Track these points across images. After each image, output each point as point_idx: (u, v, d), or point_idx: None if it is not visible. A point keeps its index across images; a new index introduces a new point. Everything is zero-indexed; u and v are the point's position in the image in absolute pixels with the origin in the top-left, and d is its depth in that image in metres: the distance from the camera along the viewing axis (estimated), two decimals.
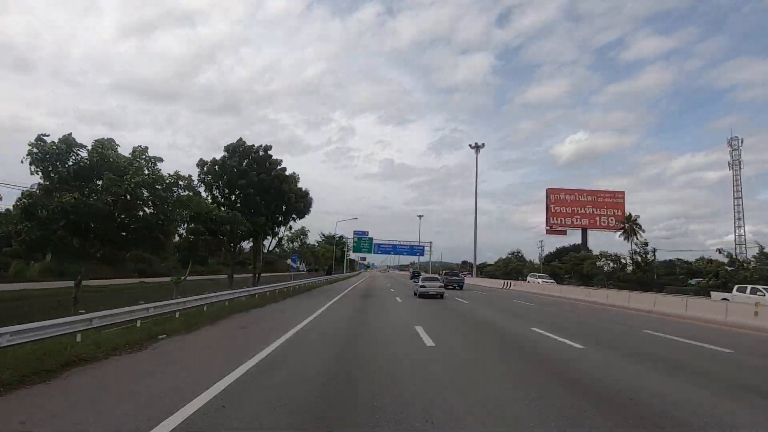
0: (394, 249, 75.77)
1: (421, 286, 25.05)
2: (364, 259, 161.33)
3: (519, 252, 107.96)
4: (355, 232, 75.59)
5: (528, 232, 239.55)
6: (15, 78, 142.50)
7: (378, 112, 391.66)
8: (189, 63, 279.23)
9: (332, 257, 78.69)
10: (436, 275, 35.46)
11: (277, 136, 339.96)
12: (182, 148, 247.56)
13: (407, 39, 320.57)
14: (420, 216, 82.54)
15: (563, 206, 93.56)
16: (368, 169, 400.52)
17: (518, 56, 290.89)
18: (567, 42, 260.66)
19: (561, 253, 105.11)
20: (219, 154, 26.58)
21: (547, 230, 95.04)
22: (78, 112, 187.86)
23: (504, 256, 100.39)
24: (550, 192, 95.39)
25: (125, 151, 13.36)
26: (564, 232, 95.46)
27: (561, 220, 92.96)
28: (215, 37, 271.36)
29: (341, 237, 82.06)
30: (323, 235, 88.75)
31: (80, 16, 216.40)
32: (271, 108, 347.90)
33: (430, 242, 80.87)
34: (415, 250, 76.36)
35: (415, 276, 58.61)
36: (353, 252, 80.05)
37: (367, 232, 74.96)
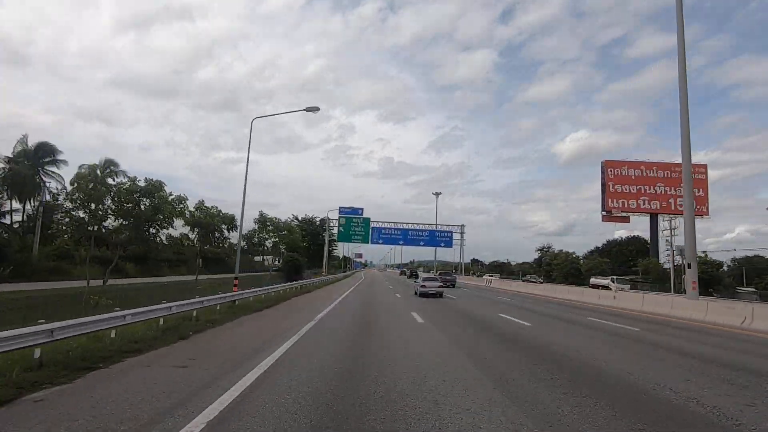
0: (404, 237, 50.97)
1: (422, 286, 25.17)
2: (360, 255, 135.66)
3: (549, 247, 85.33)
4: (342, 210, 50.48)
5: (526, 231, 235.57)
6: (9, 73, 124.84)
7: (378, 110, 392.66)
8: (187, 58, 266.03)
9: (306, 249, 53.03)
10: (435, 275, 36.71)
11: (277, 134, 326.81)
12: (180, 145, 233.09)
13: (409, 35, 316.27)
14: (437, 194, 58.38)
15: (626, 184, 70.12)
16: (368, 167, 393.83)
17: (521, 53, 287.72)
18: (570, 39, 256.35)
19: (611, 246, 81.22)
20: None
21: (603, 216, 71.45)
22: (74, 108, 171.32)
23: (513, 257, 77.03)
24: (607, 166, 71.51)
25: None
26: (627, 219, 71.78)
27: (623, 202, 69.50)
28: (214, 33, 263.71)
29: (321, 220, 56.44)
30: (297, 219, 62.97)
31: (76, 9, 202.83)
32: (271, 105, 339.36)
33: (462, 225, 56.60)
34: (437, 238, 51.46)
35: (412, 275, 58.51)
36: (339, 240, 54.90)
37: (361, 210, 49.98)
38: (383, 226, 51.72)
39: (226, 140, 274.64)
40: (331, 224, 54.75)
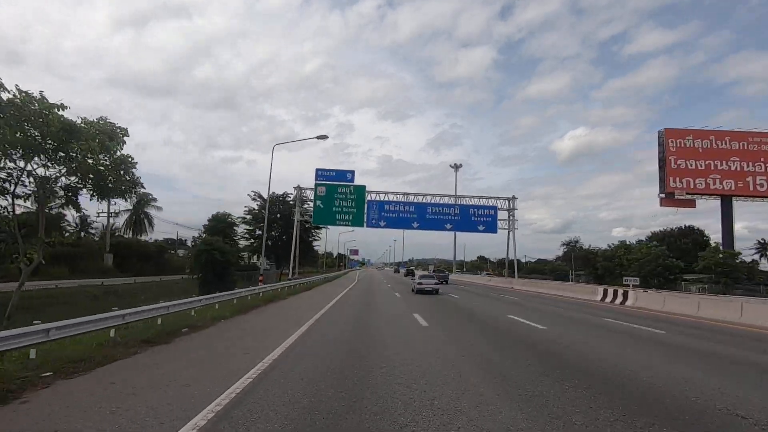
0: (420, 216, 34.12)
1: (419, 283, 25.43)
2: (356, 252, 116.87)
3: (576, 242, 70.73)
4: (321, 175, 33.35)
5: (524, 228, 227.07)
6: (6, 72, 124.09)
7: (377, 108, 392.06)
8: (185, 57, 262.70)
9: (274, 240, 35.56)
10: (431, 273, 35.40)
11: (275, 133, 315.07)
12: (178, 144, 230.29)
13: (407, 32, 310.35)
14: (456, 166, 41.79)
15: (692, 158, 55.30)
16: (366, 165, 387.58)
17: (520, 50, 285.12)
18: (570, 36, 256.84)
19: (659, 238, 65.72)
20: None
21: (662, 200, 56.51)
22: (71, 107, 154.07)
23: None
24: (668, 136, 56.58)
25: None
26: (692, 203, 57.02)
27: (687, 182, 54.83)
28: (212, 30, 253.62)
29: (288, 194, 38.59)
30: (261, 197, 45.19)
31: (73, 7, 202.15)
32: (269, 103, 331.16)
33: (512, 198, 38.25)
34: (473, 218, 34.26)
35: (409, 274, 61.38)
36: (315, 223, 37.23)
37: (351, 173, 32.86)
38: (387, 199, 34.39)
39: (224, 139, 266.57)
40: (306, 199, 36.81)
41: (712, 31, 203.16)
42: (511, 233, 37.86)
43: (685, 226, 64.37)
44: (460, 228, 37.41)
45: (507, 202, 38.57)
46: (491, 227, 37.36)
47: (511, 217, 38.31)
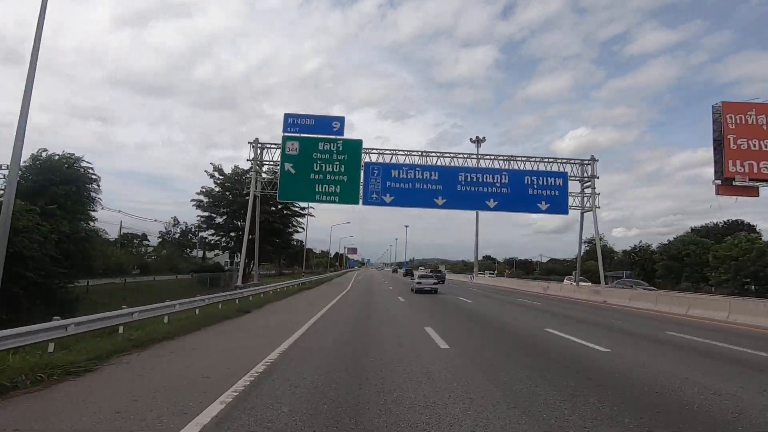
0: (448, 189, 21.17)
1: (418, 283, 25.75)
2: (354, 250, 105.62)
3: (601, 238, 61.26)
4: (292, 123, 22.55)
5: (525, 228, 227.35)
6: (4, 71, 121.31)
7: (377, 107, 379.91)
8: (185, 56, 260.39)
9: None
10: (429, 272, 36.86)
11: (274, 132, 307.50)
12: (178, 144, 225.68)
13: (408, 32, 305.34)
14: (478, 141, 31.70)
15: (756, 138, 46.51)
16: None
17: (521, 50, 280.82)
18: (571, 35, 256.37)
19: (699, 235, 56.32)
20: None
21: (718, 187, 46.88)
22: (70, 107, 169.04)
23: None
24: (725, 110, 47.28)
25: None
26: (755, 191, 47.99)
27: (749, 165, 46.04)
28: (212, 29, 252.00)
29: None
30: (220, 172, 34.33)
31: (72, 6, 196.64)
32: (269, 103, 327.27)
33: (590, 160, 25.21)
34: (530, 192, 21.50)
35: (407, 274, 63.43)
36: (281, 198, 25.36)
37: (340, 121, 22.09)
38: (395, 161, 23.00)
39: (224, 139, 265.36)
40: (271, 163, 24.67)
41: (713, 30, 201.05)
42: (588, 214, 26.27)
43: (730, 221, 55.06)
44: (510, 206, 25.29)
45: (580, 168, 26.00)
46: (559, 206, 24.99)
47: (590, 190, 25.97)
